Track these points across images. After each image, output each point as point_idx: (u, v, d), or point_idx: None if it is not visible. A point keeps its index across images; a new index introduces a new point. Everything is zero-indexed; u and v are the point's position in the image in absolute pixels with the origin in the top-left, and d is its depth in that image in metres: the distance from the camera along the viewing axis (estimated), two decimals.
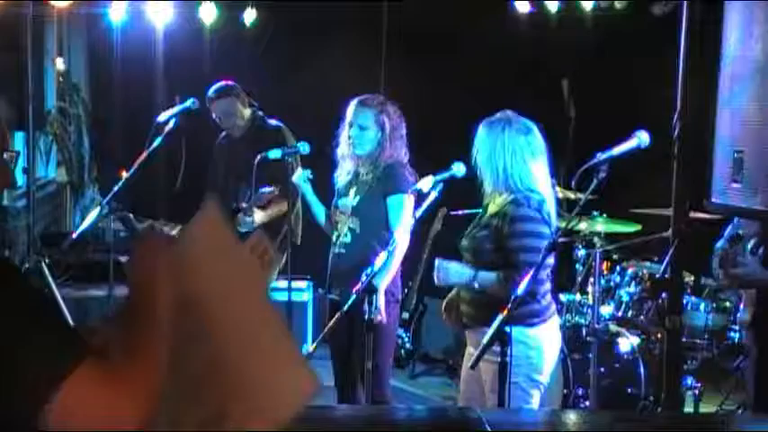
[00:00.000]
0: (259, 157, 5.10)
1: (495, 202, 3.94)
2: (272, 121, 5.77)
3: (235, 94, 5.69)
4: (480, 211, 4.07)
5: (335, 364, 4.80)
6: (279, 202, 5.44)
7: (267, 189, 5.23)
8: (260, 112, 5.79)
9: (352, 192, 4.70)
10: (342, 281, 4.59)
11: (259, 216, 5.36)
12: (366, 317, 4.04)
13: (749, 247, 3.65)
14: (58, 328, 1.72)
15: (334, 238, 4.73)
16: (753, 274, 3.41)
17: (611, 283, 5.62)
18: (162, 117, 5.25)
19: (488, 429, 2.67)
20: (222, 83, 5.71)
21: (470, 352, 3.86)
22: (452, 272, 3.93)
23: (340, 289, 4.61)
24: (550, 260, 3.81)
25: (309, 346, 4.25)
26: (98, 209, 5.29)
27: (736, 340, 5.15)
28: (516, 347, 3.53)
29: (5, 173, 1.84)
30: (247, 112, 5.74)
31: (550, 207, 3.90)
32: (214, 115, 5.71)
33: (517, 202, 3.85)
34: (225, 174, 5.73)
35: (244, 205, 5.42)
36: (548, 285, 3.94)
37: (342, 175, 4.79)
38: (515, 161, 3.89)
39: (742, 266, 3.33)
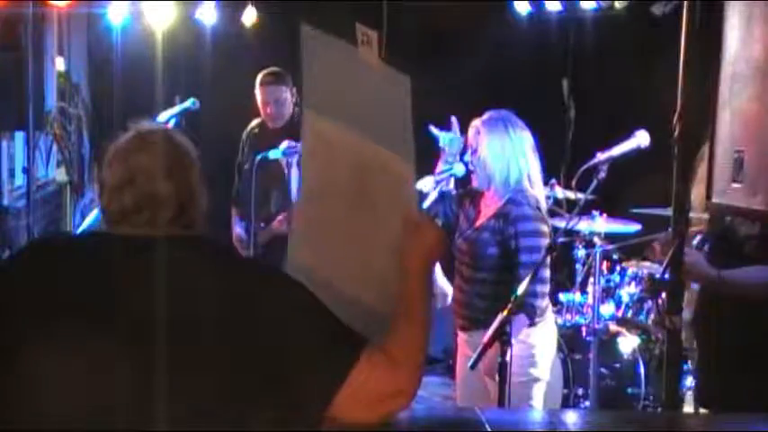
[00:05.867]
0: (260, 156, 5.07)
1: (489, 203, 3.94)
2: None
3: (289, 82, 5.46)
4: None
5: None
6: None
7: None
8: (297, 108, 5.42)
9: None
10: None
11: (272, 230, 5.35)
12: None
13: (694, 243, 3.67)
14: (332, 326, 1.72)
15: None
16: (697, 265, 3.39)
17: (611, 283, 5.62)
18: (162, 117, 5.23)
19: (488, 429, 2.66)
20: (277, 69, 5.49)
21: (468, 354, 3.86)
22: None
23: None
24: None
25: None
26: (98, 209, 5.26)
27: None
28: (515, 346, 3.53)
29: None
30: (291, 102, 5.48)
31: (544, 204, 3.97)
32: (260, 98, 5.45)
33: (516, 202, 3.85)
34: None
35: (263, 225, 5.35)
36: (547, 285, 3.94)
37: None
38: (522, 159, 3.89)
39: (687, 256, 3.31)
